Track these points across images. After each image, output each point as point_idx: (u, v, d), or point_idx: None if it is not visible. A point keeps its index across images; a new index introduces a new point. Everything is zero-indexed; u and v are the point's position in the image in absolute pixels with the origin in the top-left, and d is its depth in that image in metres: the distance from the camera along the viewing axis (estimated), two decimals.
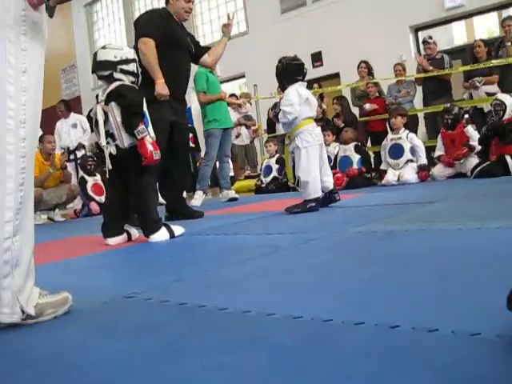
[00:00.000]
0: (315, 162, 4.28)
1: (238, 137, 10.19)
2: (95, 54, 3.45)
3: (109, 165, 3.36)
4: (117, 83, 3.34)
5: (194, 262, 2.56)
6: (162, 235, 3.39)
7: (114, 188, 3.55)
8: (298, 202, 4.26)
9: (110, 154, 3.34)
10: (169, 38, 4.41)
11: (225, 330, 1.32)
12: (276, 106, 4.51)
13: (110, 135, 3.34)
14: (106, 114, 3.32)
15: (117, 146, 3.33)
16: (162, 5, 4.73)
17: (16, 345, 1.43)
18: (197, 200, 6.54)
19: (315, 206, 4.21)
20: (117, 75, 3.37)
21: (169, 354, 1.19)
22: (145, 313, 1.62)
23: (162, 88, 4.21)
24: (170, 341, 1.28)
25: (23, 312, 1.54)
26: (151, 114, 3.54)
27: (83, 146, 8.98)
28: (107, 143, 3.33)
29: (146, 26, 4.45)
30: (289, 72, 4.38)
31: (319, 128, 4.47)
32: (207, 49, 5.00)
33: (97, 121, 3.35)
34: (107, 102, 3.32)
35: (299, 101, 4.27)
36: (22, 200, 1.51)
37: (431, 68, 7.85)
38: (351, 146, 7.25)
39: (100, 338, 1.39)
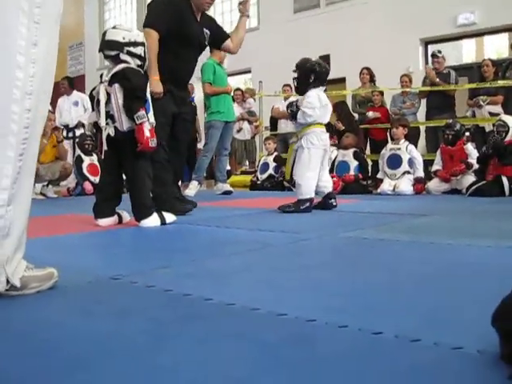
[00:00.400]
0: (315, 164, 4.29)
1: (239, 131, 10.17)
2: (104, 33, 3.43)
3: (105, 146, 3.37)
4: (123, 65, 3.33)
5: (182, 250, 2.56)
6: (152, 221, 3.38)
7: (109, 170, 3.54)
8: (292, 201, 4.26)
9: (108, 136, 3.34)
10: (178, 32, 4.09)
11: (208, 321, 1.31)
12: (292, 104, 4.44)
13: (109, 116, 3.33)
14: (108, 94, 3.32)
15: (115, 128, 3.32)
16: None
17: None
18: (191, 190, 6.53)
19: (308, 207, 4.22)
20: (123, 56, 3.35)
21: (149, 339, 1.18)
22: (129, 296, 1.61)
23: (155, 86, 3.97)
24: (152, 326, 1.27)
25: (8, 282, 1.53)
26: (153, 104, 3.50)
27: (82, 125, 8.95)
28: (106, 124, 3.32)
29: (154, 14, 4.14)
30: (319, 76, 4.35)
31: (327, 134, 4.48)
32: (228, 35, 4.70)
33: (98, 100, 3.34)
34: (111, 82, 3.31)
35: (319, 105, 4.28)
36: (20, 170, 1.50)
37: (438, 80, 7.85)
38: (350, 151, 7.25)
39: (81, 317, 1.38)
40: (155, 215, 3.40)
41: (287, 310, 1.36)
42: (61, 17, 1.61)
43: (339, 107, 8.21)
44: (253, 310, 1.37)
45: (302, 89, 4.42)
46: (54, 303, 1.54)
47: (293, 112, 4.39)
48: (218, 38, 4.59)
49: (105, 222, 3.43)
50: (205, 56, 5.08)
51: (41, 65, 1.50)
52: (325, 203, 4.47)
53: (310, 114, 4.24)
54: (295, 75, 4.41)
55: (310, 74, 4.32)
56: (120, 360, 1.06)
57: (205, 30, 4.36)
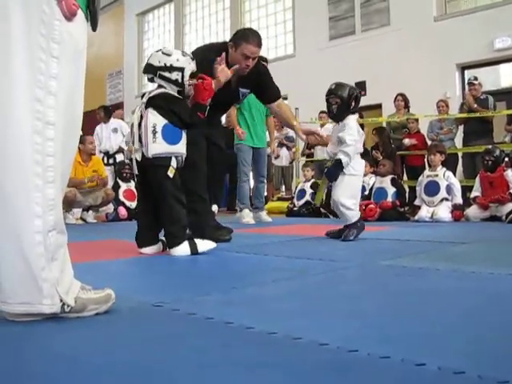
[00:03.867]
0: (358, 190, 4.30)
1: (277, 158, 10.22)
2: (151, 56, 3.47)
3: (135, 170, 3.38)
4: (160, 90, 3.36)
5: (222, 278, 2.58)
6: (182, 250, 3.30)
7: (143, 196, 3.52)
8: (337, 228, 4.27)
9: (136, 160, 3.35)
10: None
11: (250, 350, 1.32)
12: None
13: (140, 140, 3.33)
14: (141, 117, 3.34)
15: (142, 153, 3.32)
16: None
17: (40, 339, 1.45)
18: (246, 218, 6.60)
19: (362, 225, 4.25)
20: (157, 80, 3.38)
21: (189, 367, 1.19)
22: (171, 323, 1.63)
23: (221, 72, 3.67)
24: (194, 354, 1.29)
25: (63, 303, 1.59)
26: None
27: (122, 151, 9.11)
28: (136, 148, 3.34)
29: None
30: (358, 102, 4.30)
31: (363, 161, 4.44)
32: (277, 97, 4.40)
33: (133, 123, 3.39)
34: (147, 106, 3.33)
35: (358, 137, 4.26)
36: (55, 197, 1.57)
37: (475, 106, 7.79)
38: (388, 178, 7.22)
39: (122, 343, 1.40)
40: (185, 244, 3.31)
41: (329, 339, 1.36)
42: (85, 51, 1.66)
43: (379, 133, 8.21)
44: (295, 340, 1.38)
45: (340, 115, 4.29)
46: (96, 329, 1.57)
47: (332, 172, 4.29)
48: (264, 98, 4.43)
49: (148, 250, 3.42)
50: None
51: (62, 96, 1.57)
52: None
53: (351, 147, 4.15)
54: (334, 101, 4.24)
55: (350, 101, 4.22)
56: None
57: (242, 90, 4.19)
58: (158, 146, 3.27)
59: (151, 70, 3.38)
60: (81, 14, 1.60)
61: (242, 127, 6.70)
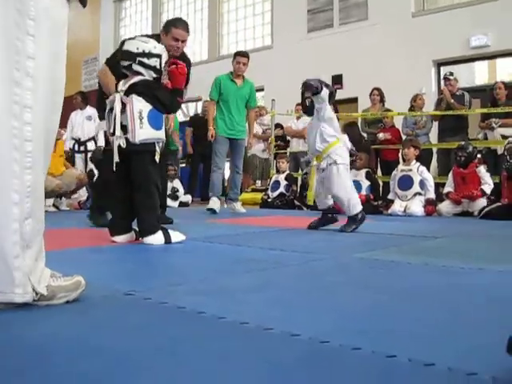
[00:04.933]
0: (348, 177, 4.45)
1: (264, 151, 10.23)
2: (122, 43, 3.45)
3: (116, 157, 3.31)
4: (139, 77, 3.33)
5: (194, 267, 2.56)
6: (156, 239, 3.29)
7: (120, 185, 3.46)
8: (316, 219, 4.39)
9: (119, 147, 3.29)
10: None
11: (222, 340, 1.32)
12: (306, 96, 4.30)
13: (122, 127, 3.29)
14: (123, 104, 3.29)
15: (127, 139, 3.27)
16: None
17: (12, 329, 1.43)
18: (214, 205, 6.58)
19: (363, 217, 4.32)
20: (135, 67, 3.34)
21: (161, 356, 1.18)
22: (143, 312, 1.62)
23: None
24: (165, 343, 1.28)
25: (35, 292, 1.56)
26: None
27: (94, 139, 9.00)
28: (118, 135, 3.28)
29: None
30: (334, 97, 4.45)
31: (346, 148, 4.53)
32: None
33: (111, 109, 3.33)
34: (128, 93, 3.29)
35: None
36: (31, 184, 1.53)
37: (452, 101, 7.87)
38: (362, 171, 7.26)
39: (94, 332, 1.39)
40: (159, 233, 3.30)
41: (300, 330, 1.37)
42: (65, 28, 1.61)
43: (348, 129, 8.23)
44: (266, 330, 1.38)
45: (312, 110, 4.38)
46: (68, 317, 1.55)
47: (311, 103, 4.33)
48: None
49: (121, 238, 3.39)
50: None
51: (41, 78, 1.52)
52: (328, 218, 4.54)
53: (334, 121, 4.31)
54: (308, 94, 4.27)
55: (324, 97, 4.26)
56: (135, 376, 1.07)
57: None
58: (145, 131, 3.26)
59: (129, 57, 3.35)
60: None
61: (218, 118, 6.68)
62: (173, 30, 4.41)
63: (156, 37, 4.30)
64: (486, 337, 1.35)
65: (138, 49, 3.34)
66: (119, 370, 1.10)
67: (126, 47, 3.38)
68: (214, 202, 6.65)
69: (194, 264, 2.71)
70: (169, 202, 7.52)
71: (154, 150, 3.34)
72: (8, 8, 1.46)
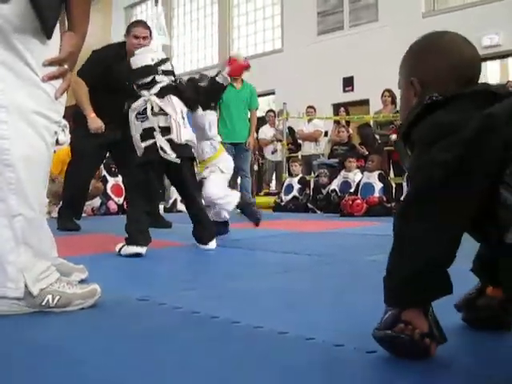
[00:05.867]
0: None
1: (273, 153, 10.21)
2: (128, 63, 3.30)
3: (170, 153, 3.11)
4: (167, 81, 3.22)
5: (208, 272, 2.58)
6: (212, 244, 3.30)
7: (147, 196, 3.25)
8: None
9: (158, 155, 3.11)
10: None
11: (236, 344, 1.32)
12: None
13: (163, 129, 3.11)
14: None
15: (171, 140, 3.10)
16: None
17: (25, 332, 1.45)
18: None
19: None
20: (159, 78, 3.19)
21: (177, 360, 1.19)
22: (157, 317, 1.63)
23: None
24: (179, 347, 1.29)
25: (27, 289, 1.58)
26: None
27: None
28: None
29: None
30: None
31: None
32: None
33: (139, 113, 3.17)
34: (162, 95, 3.15)
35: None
36: (16, 181, 1.54)
37: None
38: (375, 173, 7.23)
39: (109, 337, 1.40)
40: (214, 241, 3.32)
41: (315, 334, 1.37)
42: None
43: (362, 130, 8.21)
44: (280, 334, 1.38)
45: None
46: (82, 322, 1.56)
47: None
48: None
49: (144, 250, 3.25)
50: None
51: (9, 80, 1.54)
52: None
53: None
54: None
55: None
56: (148, 380, 1.07)
57: None
58: (188, 131, 3.23)
59: (150, 71, 3.19)
60: None
61: (220, 126, 6.63)
62: (132, 29, 4.67)
63: (117, 44, 4.90)
64: None
65: (153, 60, 3.21)
66: (133, 373, 1.11)
67: (139, 64, 3.22)
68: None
69: (207, 269, 2.72)
70: (183, 207, 7.51)
71: (194, 158, 3.34)
72: None
